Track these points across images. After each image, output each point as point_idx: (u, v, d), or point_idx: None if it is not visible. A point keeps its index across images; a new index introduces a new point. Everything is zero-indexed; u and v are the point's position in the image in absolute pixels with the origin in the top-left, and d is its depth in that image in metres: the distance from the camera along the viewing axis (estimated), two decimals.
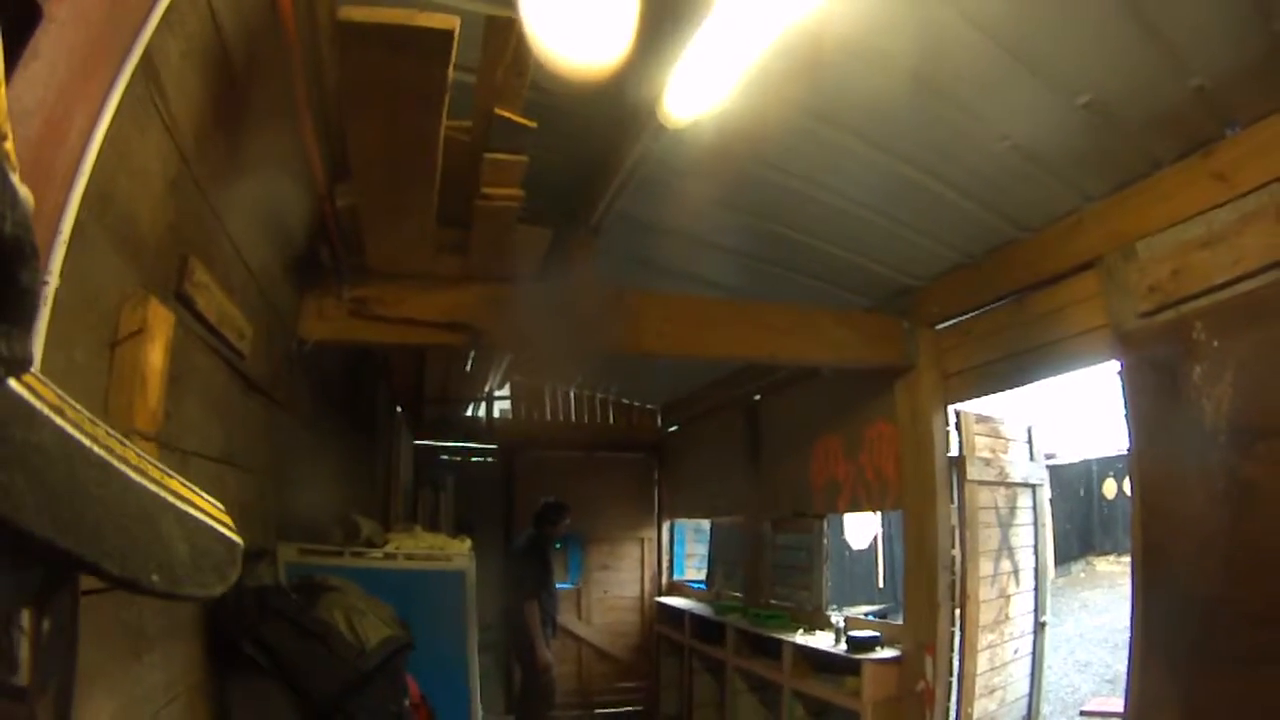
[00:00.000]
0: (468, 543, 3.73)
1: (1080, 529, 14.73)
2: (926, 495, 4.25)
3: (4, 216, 0.58)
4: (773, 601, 5.97)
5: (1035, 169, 3.15)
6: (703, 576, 8.18)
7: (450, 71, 1.94)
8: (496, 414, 8.35)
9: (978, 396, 4.19)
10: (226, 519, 1.05)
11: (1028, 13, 2.41)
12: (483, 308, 3.55)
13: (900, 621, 4.62)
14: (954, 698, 4.08)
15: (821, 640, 4.86)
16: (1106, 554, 14.46)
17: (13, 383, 0.66)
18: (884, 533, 11.11)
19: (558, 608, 6.73)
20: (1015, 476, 4.69)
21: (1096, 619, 10.51)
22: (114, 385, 1.43)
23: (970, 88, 2.78)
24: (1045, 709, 5.27)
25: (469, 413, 8.18)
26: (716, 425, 7.18)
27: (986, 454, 4.50)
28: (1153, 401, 2.92)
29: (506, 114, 2.39)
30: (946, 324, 4.29)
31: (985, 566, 4.29)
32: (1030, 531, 4.78)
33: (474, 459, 8.27)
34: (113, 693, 1.44)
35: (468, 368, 6.03)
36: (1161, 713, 2.77)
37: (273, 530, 3.02)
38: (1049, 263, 3.50)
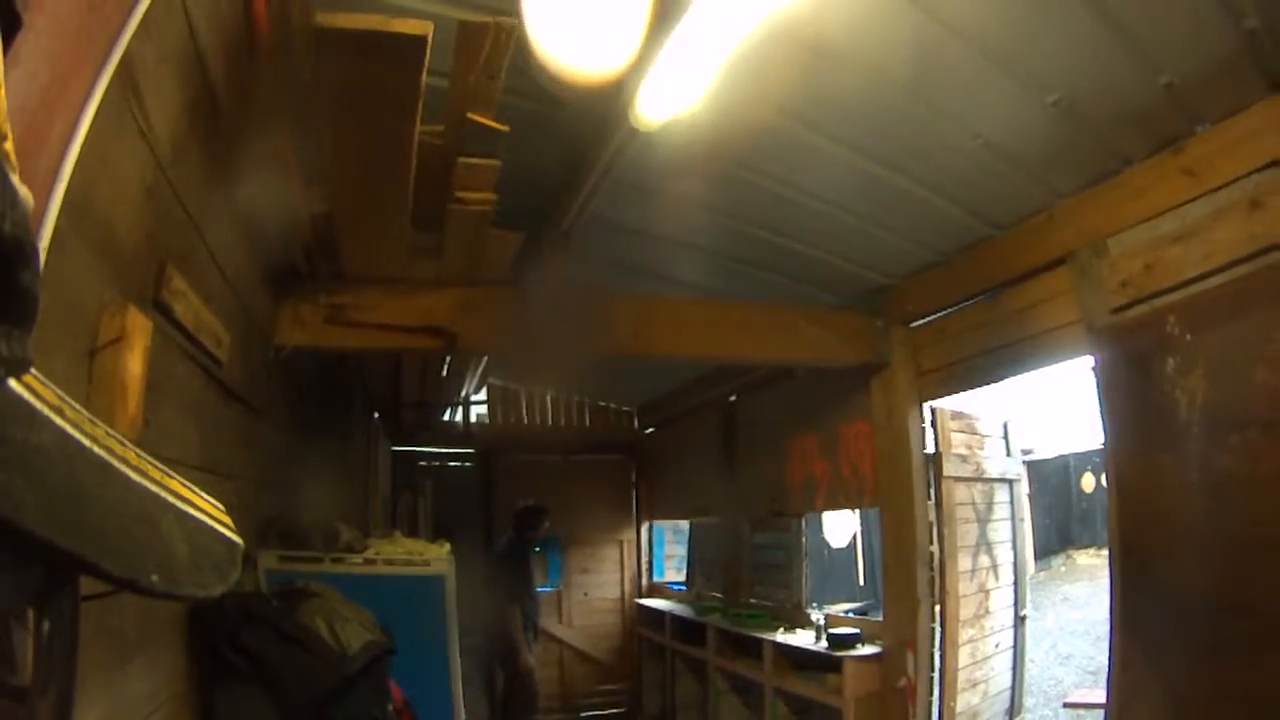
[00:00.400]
0: (447, 547, 3.72)
1: (1059, 523, 14.91)
2: (904, 492, 4.29)
3: (4, 216, 0.59)
4: (753, 601, 6.00)
5: (1007, 167, 3.20)
6: (683, 578, 8.20)
7: (424, 76, 1.95)
8: (474, 418, 8.31)
9: (953, 393, 4.23)
10: (227, 519, 1.05)
11: (998, 12, 2.44)
12: (458, 311, 3.57)
13: (880, 618, 4.66)
14: (936, 692, 4.13)
15: (802, 638, 4.90)
16: (1086, 547, 14.61)
17: (13, 383, 0.66)
18: (863, 530, 11.19)
19: (539, 611, 6.72)
20: (992, 472, 4.74)
21: (1077, 612, 10.62)
22: (94, 393, 1.42)
23: (941, 87, 2.82)
24: (1028, 701, 5.35)
25: (446, 417, 8.12)
26: (693, 426, 7.20)
27: (963, 450, 4.56)
28: (1127, 395, 2.96)
29: (479, 118, 2.40)
30: (921, 321, 4.33)
31: (964, 562, 4.35)
32: (1008, 526, 4.84)
33: (452, 463, 8.23)
34: (95, 702, 1.43)
35: (444, 372, 6.01)
36: (1143, 703, 2.80)
37: (253, 537, 2.99)
38: (1021, 259, 3.55)
